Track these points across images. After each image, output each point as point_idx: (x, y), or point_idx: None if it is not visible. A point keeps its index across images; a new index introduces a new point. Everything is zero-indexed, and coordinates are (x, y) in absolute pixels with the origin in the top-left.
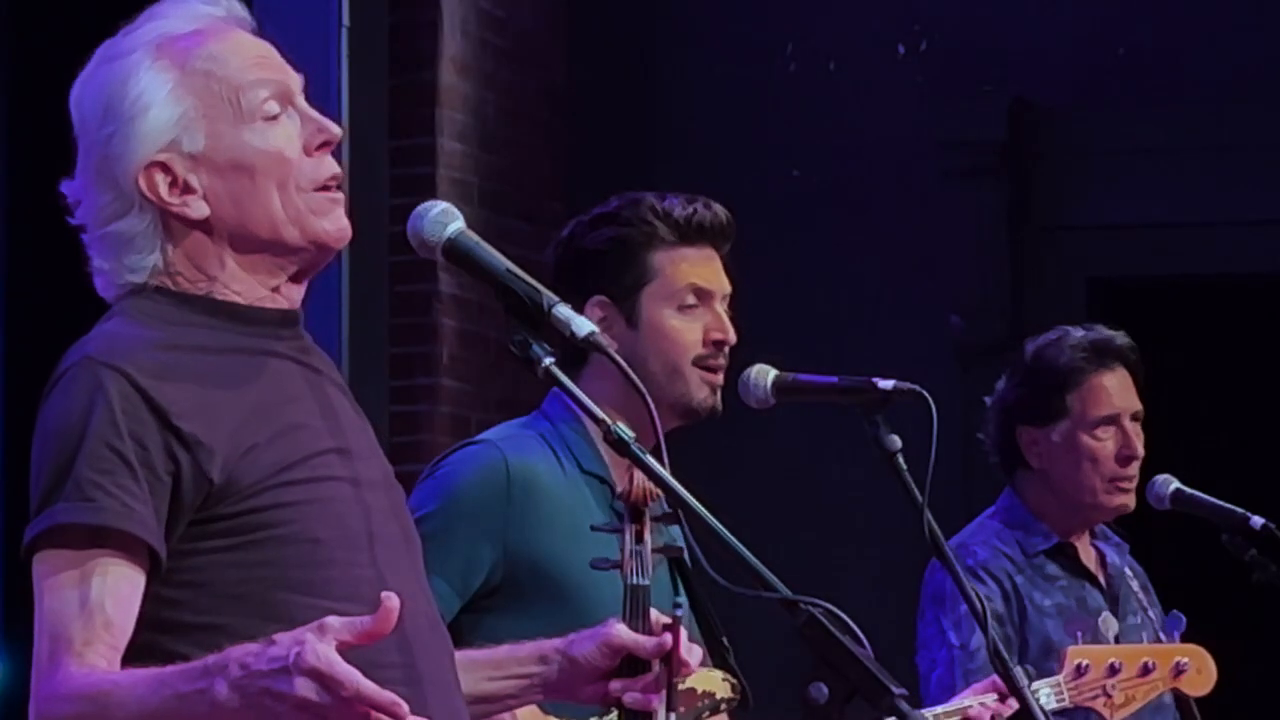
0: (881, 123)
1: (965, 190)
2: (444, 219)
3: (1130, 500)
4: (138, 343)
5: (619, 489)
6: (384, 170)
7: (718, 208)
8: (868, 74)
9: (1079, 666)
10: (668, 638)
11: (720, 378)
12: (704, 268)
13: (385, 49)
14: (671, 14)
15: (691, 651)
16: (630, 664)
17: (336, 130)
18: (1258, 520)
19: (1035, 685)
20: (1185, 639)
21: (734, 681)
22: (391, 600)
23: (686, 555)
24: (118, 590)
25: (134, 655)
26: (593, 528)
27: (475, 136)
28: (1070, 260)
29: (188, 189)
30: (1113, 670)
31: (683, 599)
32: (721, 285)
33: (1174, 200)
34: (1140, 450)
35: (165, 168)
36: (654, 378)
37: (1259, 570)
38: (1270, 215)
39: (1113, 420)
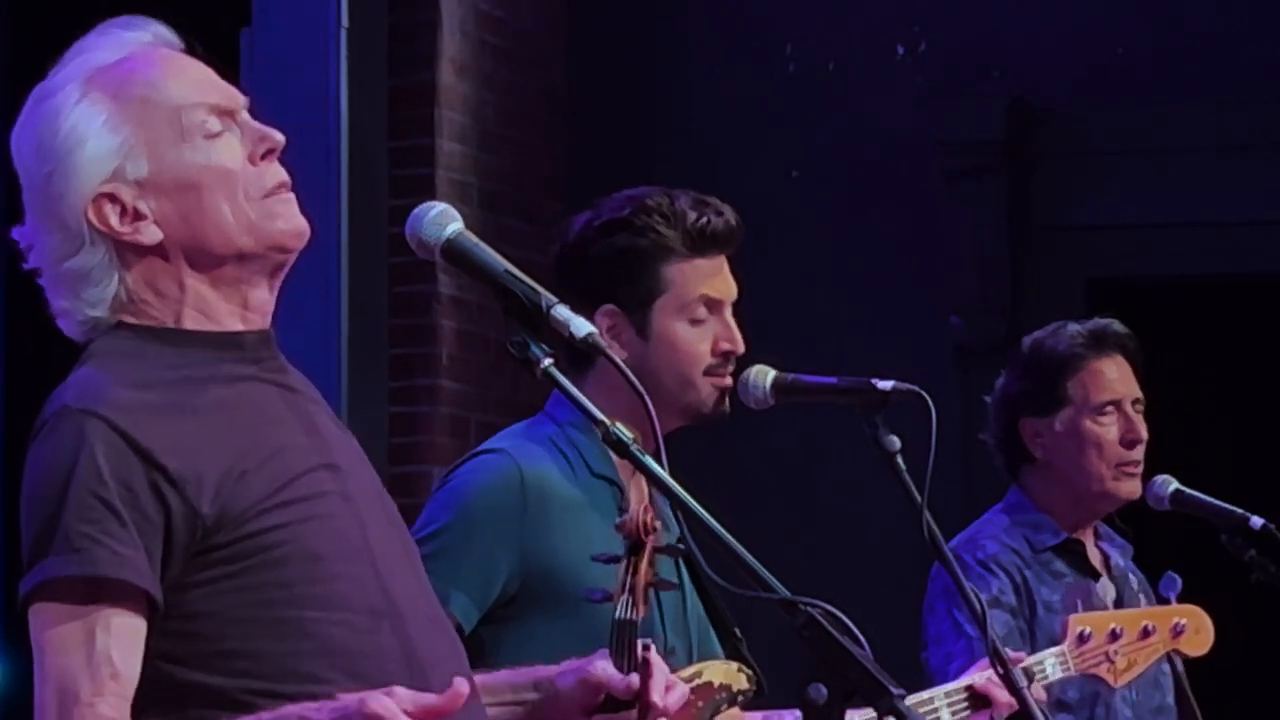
0: (881, 123)
1: (965, 190)
2: (443, 220)
3: (1137, 486)
4: (114, 384)
5: (622, 507)
6: (383, 171)
7: (728, 212)
8: (868, 74)
9: (1081, 634)
10: (637, 678)
11: (729, 381)
12: (715, 278)
13: (384, 49)
14: (671, 14)
15: (670, 691)
16: (613, 700)
17: (279, 137)
18: (1257, 520)
19: (1040, 656)
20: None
21: (749, 673)
22: (461, 685)
23: (697, 555)
24: (121, 640)
25: (146, 691)
26: (593, 558)
27: (474, 137)
28: (1070, 260)
29: (138, 216)
30: (1114, 636)
31: (651, 641)
32: (730, 292)
33: (1174, 200)
34: (1144, 433)
35: (112, 198)
36: (665, 387)
37: (1259, 570)
38: (1270, 215)
39: (1114, 405)
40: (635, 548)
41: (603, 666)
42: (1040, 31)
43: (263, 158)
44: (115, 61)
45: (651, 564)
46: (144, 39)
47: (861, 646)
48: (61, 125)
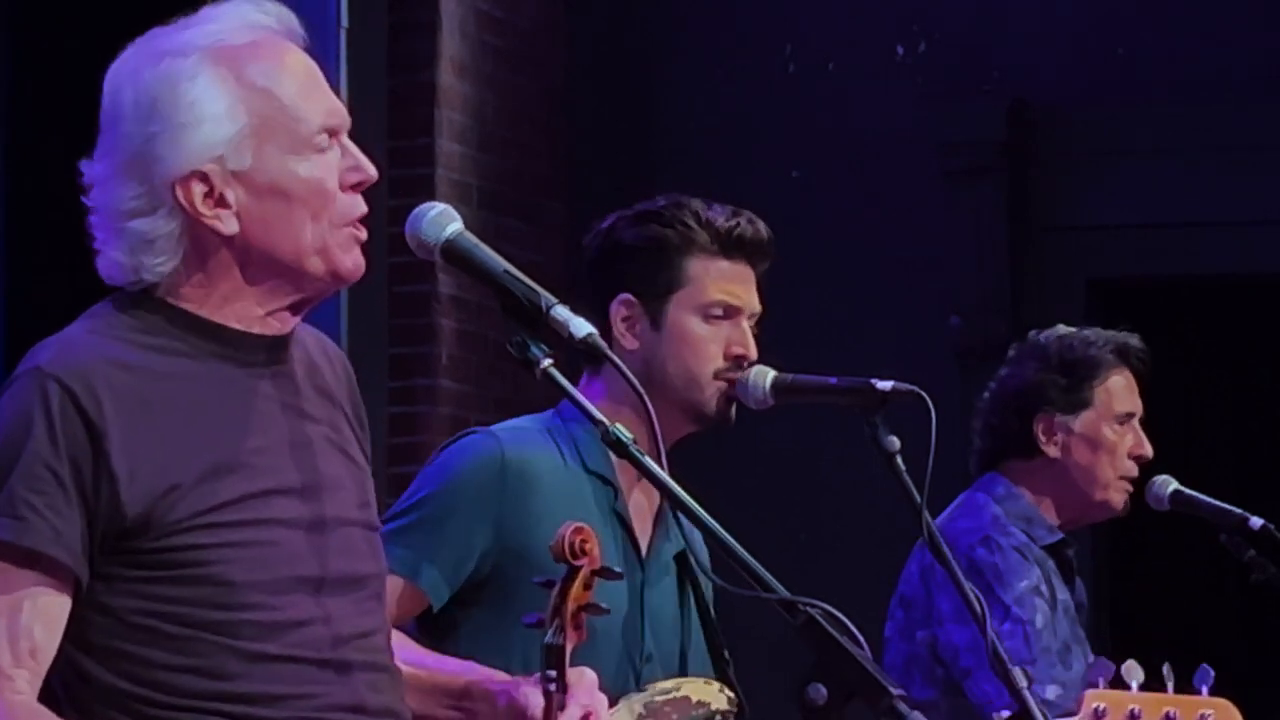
0: (881, 123)
1: (965, 190)
2: (442, 220)
3: (1126, 502)
4: (95, 356)
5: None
6: (383, 171)
7: (760, 225)
8: (868, 74)
9: (1097, 710)
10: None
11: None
12: (736, 284)
13: (384, 50)
14: (671, 14)
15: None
16: None
17: (373, 173)
18: (1257, 521)
19: None
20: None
21: (731, 694)
22: None
23: (695, 560)
24: (46, 618)
25: (53, 670)
26: (533, 581)
27: (474, 137)
28: (1070, 260)
29: (222, 203)
30: (1133, 717)
31: (554, 672)
32: (750, 304)
33: (1174, 200)
34: (1150, 454)
35: (205, 178)
36: (670, 382)
37: (1258, 570)
38: (1270, 215)
39: (1130, 417)
40: (569, 572)
41: (526, 692)
42: (1040, 31)
43: (352, 187)
44: (243, 44)
45: (588, 586)
46: (268, 23)
47: (861, 647)
48: (185, 94)
